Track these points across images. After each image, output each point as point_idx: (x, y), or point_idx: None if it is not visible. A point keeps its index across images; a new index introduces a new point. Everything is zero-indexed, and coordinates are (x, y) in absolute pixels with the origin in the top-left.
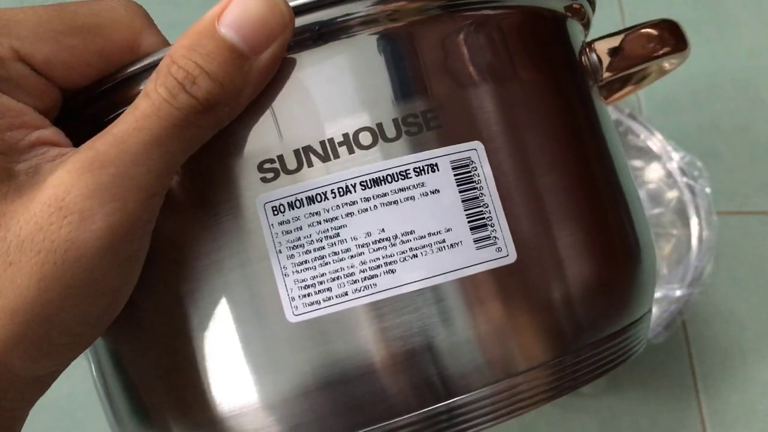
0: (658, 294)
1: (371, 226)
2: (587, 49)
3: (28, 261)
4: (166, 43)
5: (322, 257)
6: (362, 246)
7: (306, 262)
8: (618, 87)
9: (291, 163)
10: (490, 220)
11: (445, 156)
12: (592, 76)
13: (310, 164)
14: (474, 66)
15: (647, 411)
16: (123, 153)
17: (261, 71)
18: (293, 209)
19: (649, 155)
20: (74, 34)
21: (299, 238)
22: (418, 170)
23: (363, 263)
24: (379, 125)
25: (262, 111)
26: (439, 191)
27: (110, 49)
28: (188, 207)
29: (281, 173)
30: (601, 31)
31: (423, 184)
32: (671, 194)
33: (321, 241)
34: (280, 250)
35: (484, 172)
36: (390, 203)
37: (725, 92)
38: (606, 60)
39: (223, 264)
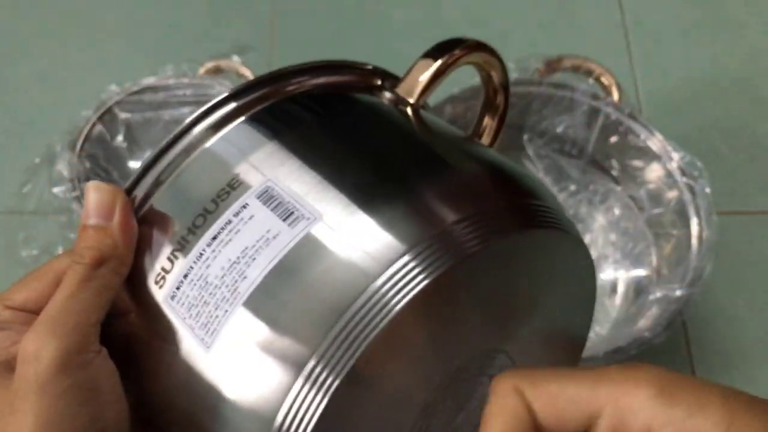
0: (658, 294)
1: (223, 262)
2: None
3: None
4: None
5: (205, 302)
6: (222, 277)
7: (198, 310)
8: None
9: (168, 266)
10: (296, 209)
11: (251, 195)
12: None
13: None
14: None
15: None
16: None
17: (118, 228)
18: (179, 290)
19: (649, 155)
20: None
21: (189, 302)
22: (236, 213)
23: (227, 285)
24: (205, 209)
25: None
26: (253, 215)
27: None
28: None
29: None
30: (601, 30)
31: (242, 219)
32: (671, 194)
33: (200, 292)
34: (184, 317)
35: (280, 189)
36: (228, 242)
37: (725, 92)
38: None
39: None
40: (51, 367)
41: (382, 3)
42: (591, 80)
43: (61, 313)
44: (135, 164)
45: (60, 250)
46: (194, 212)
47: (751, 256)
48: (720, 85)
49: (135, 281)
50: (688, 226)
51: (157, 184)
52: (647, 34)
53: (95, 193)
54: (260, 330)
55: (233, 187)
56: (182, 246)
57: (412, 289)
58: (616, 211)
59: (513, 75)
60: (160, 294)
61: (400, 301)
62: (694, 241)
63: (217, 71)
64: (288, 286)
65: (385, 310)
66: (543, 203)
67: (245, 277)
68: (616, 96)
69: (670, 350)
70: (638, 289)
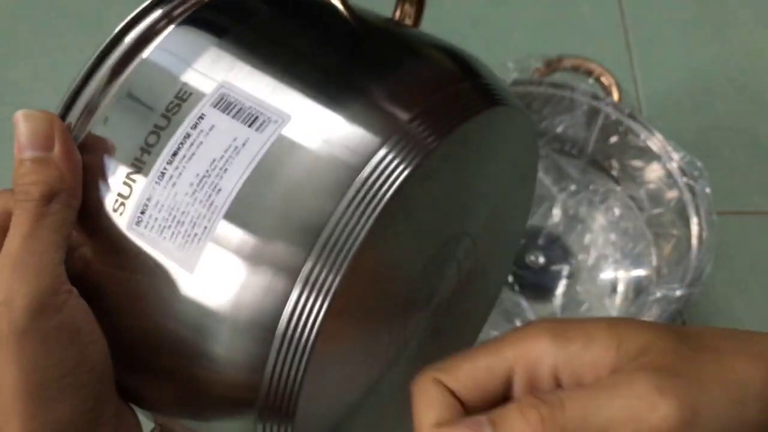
0: (658, 294)
1: (190, 178)
2: None
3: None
4: None
5: (178, 221)
6: (193, 194)
7: (172, 231)
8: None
9: (126, 191)
10: (260, 113)
11: (206, 104)
12: None
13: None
14: None
15: None
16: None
17: (61, 158)
18: (144, 214)
19: (649, 155)
20: None
21: (160, 225)
22: (194, 125)
23: (200, 201)
24: (156, 126)
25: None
26: (214, 125)
27: None
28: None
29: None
30: (601, 30)
31: (202, 131)
32: (671, 194)
33: (170, 213)
34: (156, 241)
35: (236, 94)
36: (192, 156)
37: (725, 92)
38: None
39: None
40: (27, 313)
41: (382, 3)
42: (591, 80)
43: (23, 255)
44: None
45: None
46: (144, 130)
47: (751, 256)
48: (720, 85)
49: (88, 213)
50: (688, 226)
51: (92, 107)
52: (647, 34)
53: (28, 122)
54: (247, 241)
55: (183, 98)
56: (138, 168)
57: (397, 177)
58: (616, 211)
59: (513, 75)
60: (122, 221)
61: (388, 191)
62: (694, 241)
63: None
64: (269, 192)
65: (375, 201)
66: (491, 81)
67: (219, 190)
68: (616, 96)
69: None
70: (638, 289)
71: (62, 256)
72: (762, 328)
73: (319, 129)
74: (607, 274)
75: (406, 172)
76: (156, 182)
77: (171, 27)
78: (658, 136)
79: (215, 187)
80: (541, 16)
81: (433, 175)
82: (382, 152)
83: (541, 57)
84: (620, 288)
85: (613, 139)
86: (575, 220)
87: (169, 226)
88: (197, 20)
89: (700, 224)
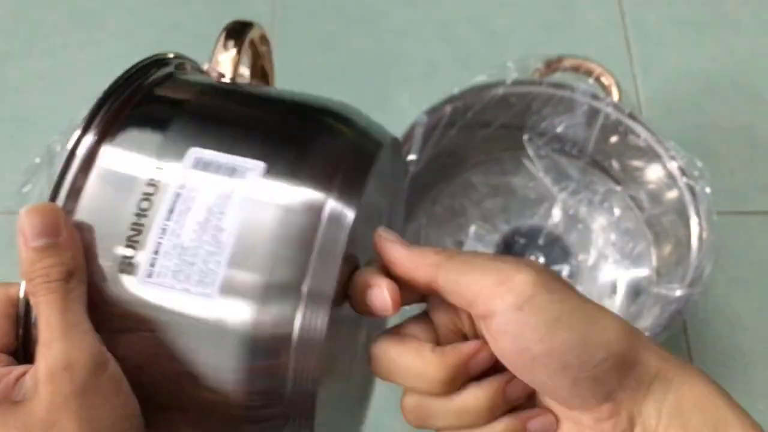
0: (658, 294)
1: (193, 226)
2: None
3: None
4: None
5: (190, 263)
6: (199, 239)
7: (188, 273)
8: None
9: (130, 253)
10: (237, 165)
11: (186, 167)
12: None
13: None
14: None
15: None
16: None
17: (68, 241)
18: (154, 266)
19: (649, 155)
20: None
21: (173, 271)
22: (181, 186)
23: (207, 242)
24: (146, 193)
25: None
26: (200, 182)
27: None
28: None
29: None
30: (601, 30)
31: (191, 189)
32: (671, 194)
33: (180, 259)
34: (173, 286)
35: (208, 155)
36: (188, 210)
37: (725, 92)
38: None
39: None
40: (87, 372)
41: (382, 3)
42: (591, 80)
43: (66, 327)
44: None
45: None
46: (135, 198)
47: (751, 256)
48: (720, 85)
49: (95, 285)
50: (688, 226)
51: (78, 188)
52: (647, 34)
53: (37, 215)
54: (256, 265)
55: (162, 168)
56: (138, 230)
57: (353, 201)
58: (616, 211)
59: (513, 75)
60: (133, 281)
61: (350, 212)
62: (694, 241)
63: None
64: (265, 225)
65: (343, 219)
66: (367, 124)
67: (223, 229)
68: (616, 96)
69: (670, 350)
70: (638, 289)
71: (91, 325)
72: (762, 328)
73: (287, 171)
74: (607, 274)
75: (358, 195)
76: (159, 237)
77: (126, 116)
78: (658, 136)
79: (218, 227)
80: (541, 16)
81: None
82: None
83: (541, 57)
84: (620, 288)
85: (613, 139)
86: (575, 220)
87: (182, 270)
88: (145, 114)
89: (700, 224)
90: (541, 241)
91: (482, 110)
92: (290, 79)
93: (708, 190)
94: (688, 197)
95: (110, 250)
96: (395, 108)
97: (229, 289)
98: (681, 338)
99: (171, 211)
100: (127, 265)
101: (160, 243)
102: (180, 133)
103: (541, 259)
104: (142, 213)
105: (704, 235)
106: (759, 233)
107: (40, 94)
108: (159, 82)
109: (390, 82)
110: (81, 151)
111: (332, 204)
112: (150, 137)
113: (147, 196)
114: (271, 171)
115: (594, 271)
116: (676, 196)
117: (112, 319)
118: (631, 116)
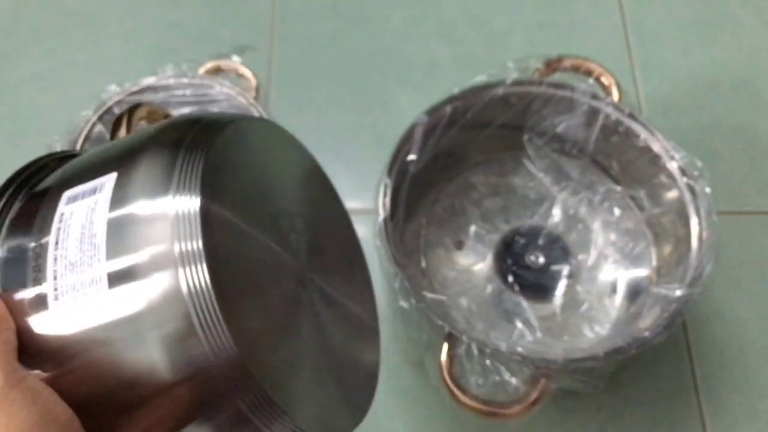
0: (658, 294)
1: (74, 243)
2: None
3: None
4: None
5: (81, 271)
6: (81, 250)
7: (80, 279)
8: None
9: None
10: (98, 185)
11: (60, 206)
12: None
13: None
14: None
15: (647, 411)
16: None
17: None
18: (57, 290)
19: (649, 155)
20: None
21: (71, 286)
22: (60, 220)
23: (87, 248)
24: (36, 244)
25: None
26: (73, 211)
27: None
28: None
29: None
30: (601, 30)
31: (67, 218)
32: (671, 194)
33: (72, 272)
34: (75, 297)
35: (75, 190)
36: (67, 234)
37: (725, 92)
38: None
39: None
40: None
41: (381, 3)
42: (591, 80)
43: None
44: None
45: None
46: (30, 247)
47: (751, 256)
48: (720, 85)
49: (23, 331)
50: (688, 226)
51: None
52: (647, 34)
53: None
54: (131, 249)
55: (45, 218)
56: (38, 269)
57: (198, 163)
58: (616, 211)
59: (513, 75)
60: (47, 311)
61: (195, 173)
62: (694, 241)
63: (217, 71)
64: (126, 214)
65: (195, 170)
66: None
67: (95, 234)
68: (616, 96)
69: (670, 350)
70: (638, 289)
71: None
72: (762, 328)
73: (135, 169)
74: (607, 274)
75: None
76: (54, 266)
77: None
78: (658, 136)
79: (92, 234)
80: (541, 16)
81: (228, 163)
82: (181, 154)
83: (541, 57)
84: (620, 288)
85: (613, 139)
86: (575, 220)
87: (77, 281)
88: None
89: (700, 224)
90: (541, 241)
91: (482, 110)
92: (290, 79)
93: (708, 190)
94: (688, 197)
95: (24, 298)
96: (395, 108)
97: (114, 279)
98: (681, 338)
99: (56, 243)
100: (39, 302)
101: (55, 270)
102: (55, 193)
103: (541, 259)
104: (37, 256)
105: (704, 235)
106: (759, 233)
107: (40, 95)
108: (36, 183)
109: (390, 82)
110: None
111: (178, 177)
112: (34, 212)
113: (37, 246)
114: (123, 175)
115: (594, 271)
116: (676, 196)
117: (48, 358)
118: (631, 116)
